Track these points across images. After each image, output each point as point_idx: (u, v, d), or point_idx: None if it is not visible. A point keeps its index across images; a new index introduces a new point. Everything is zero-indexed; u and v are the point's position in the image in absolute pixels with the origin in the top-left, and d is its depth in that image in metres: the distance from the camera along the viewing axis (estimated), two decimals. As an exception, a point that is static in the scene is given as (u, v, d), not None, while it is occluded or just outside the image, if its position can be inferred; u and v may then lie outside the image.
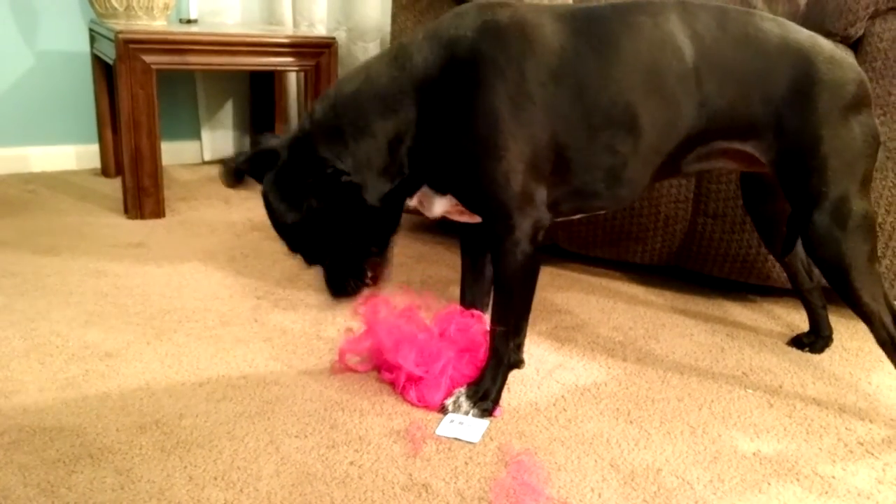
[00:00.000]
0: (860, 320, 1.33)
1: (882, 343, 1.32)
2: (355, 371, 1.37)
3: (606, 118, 1.23)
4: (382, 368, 1.34)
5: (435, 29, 1.24)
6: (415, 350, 1.29)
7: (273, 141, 1.25)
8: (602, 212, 1.40)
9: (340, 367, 1.38)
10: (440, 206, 1.31)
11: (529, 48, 1.20)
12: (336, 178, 1.18)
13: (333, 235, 1.23)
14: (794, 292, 1.66)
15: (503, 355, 1.29)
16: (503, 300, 1.27)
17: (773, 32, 1.26)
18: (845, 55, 1.31)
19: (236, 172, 1.25)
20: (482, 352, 1.33)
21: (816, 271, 1.56)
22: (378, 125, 1.20)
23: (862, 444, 1.25)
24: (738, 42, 1.25)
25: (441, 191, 1.28)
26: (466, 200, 1.27)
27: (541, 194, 1.24)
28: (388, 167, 1.22)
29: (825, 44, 1.28)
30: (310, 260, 1.29)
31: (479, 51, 1.19)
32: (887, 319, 1.30)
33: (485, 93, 1.18)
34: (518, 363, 1.33)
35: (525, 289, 1.27)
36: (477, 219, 1.31)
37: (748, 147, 1.29)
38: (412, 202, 1.32)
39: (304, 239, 1.25)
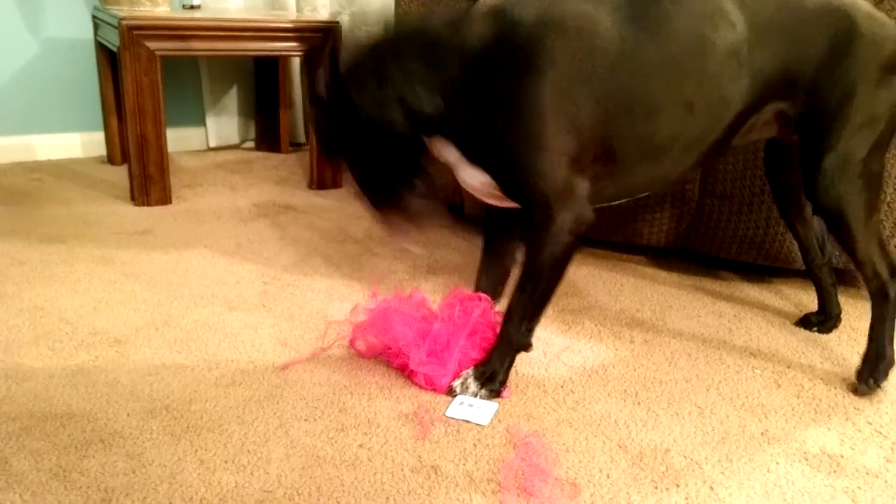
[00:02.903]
0: (867, 300, 1.33)
1: (870, 291, 1.36)
2: (363, 356, 1.38)
3: (663, 103, 1.23)
4: (391, 355, 1.34)
5: (499, 6, 1.21)
6: (428, 343, 1.29)
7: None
8: (647, 194, 1.42)
9: (349, 347, 1.39)
10: (469, 176, 1.28)
11: (588, 40, 1.19)
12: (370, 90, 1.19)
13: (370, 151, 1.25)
14: (801, 272, 1.66)
15: (513, 338, 1.29)
16: (531, 286, 1.26)
17: None
18: (885, 15, 1.32)
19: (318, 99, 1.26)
20: (488, 333, 1.33)
21: (829, 247, 1.56)
22: (417, 69, 1.19)
23: (870, 424, 1.25)
24: (781, 4, 1.26)
25: (475, 162, 1.26)
26: (506, 186, 1.25)
27: (584, 187, 1.23)
28: (416, 104, 1.21)
29: (864, 3, 1.29)
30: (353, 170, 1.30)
31: (537, 38, 1.17)
32: (881, 268, 1.34)
33: (537, 83, 1.16)
34: (527, 346, 1.33)
35: (556, 278, 1.27)
36: (508, 203, 1.30)
37: (786, 106, 1.30)
38: (443, 156, 1.29)
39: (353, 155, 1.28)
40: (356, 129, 1.22)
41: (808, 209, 1.51)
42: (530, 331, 1.31)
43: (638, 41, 1.21)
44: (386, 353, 1.35)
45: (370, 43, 1.23)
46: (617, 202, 1.38)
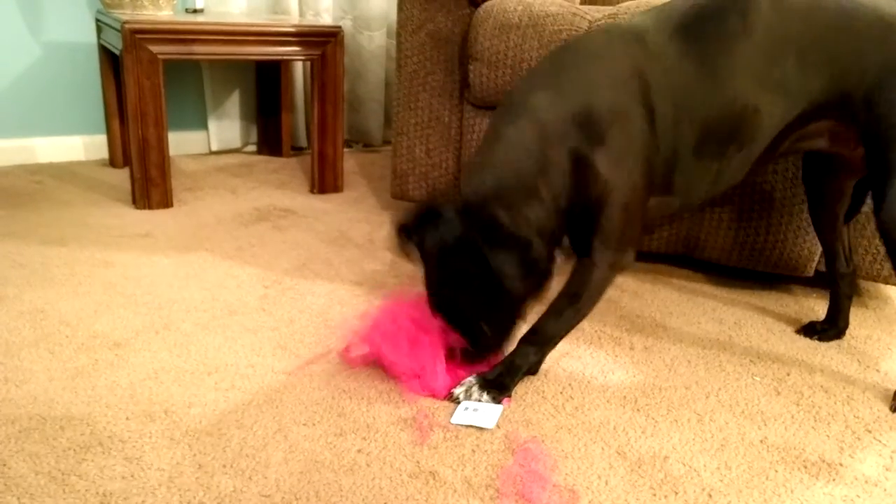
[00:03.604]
0: (869, 308, 1.34)
1: None
2: (356, 366, 1.36)
3: (714, 132, 1.26)
4: (386, 365, 1.33)
5: (571, 88, 1.24)
6: (407, 348, 1.30)
7: (438, 203, 1.24)
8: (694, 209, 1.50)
9: (346, 360, 1.38)
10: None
11: (648, 94, 1.23)
12: (516, 241, 1.18)
13: (495, 297, 1.23)
14: (802, 280, 1.66)
15: (532, 357, 1.31)
16: (572, 316, 1.30)
17: (866, 6, 1.27)
18: None
19: (406, 233, 1.27)
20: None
21: (855, 259, 1.56)
22: (543, 190, 1.21)
23: (870, 432, 1.25)
24: (834, 19, 1.26)
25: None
26: (578, 233, 1.29)
27: (639, 232, 1.30)
28: (551, 228, 1.24)
29: None
30: (454, 321, 1.28)
31: (614, 109, 1.22)
32: None
33: (608, 152, 1.22)
34: (536, 371, 1.34)
35: (589, 312, 1.32)
36: None
37: (840, 119, 1.31)
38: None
39: (460, 300, 1.25)
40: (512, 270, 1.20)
41: (840, 219, 1.52)
42: (546, 354, 1.34)
43: (690, 80, 1.24)
44: (381, 364, 1.35)
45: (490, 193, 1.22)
46: (681, 213, 1.45)
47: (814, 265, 1.71)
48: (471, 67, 1.88)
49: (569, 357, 1.45)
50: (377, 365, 1.35)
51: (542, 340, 1.31)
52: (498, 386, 1.27)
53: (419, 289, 1.33)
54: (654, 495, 1.06)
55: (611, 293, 1.76)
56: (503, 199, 1.20)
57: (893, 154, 1.26)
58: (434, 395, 1.27)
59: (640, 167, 1.24)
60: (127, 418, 1.18)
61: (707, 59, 1.24)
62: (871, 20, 1.26)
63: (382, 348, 1.32)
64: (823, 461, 1.16)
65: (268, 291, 1.68)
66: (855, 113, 1.28)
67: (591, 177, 1.22)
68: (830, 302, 1.59)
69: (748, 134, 1.28)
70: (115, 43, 2.18)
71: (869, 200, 1.39)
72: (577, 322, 1.32)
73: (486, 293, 1.22)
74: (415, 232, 1.25)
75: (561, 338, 1.33)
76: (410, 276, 1.80)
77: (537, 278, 1.22)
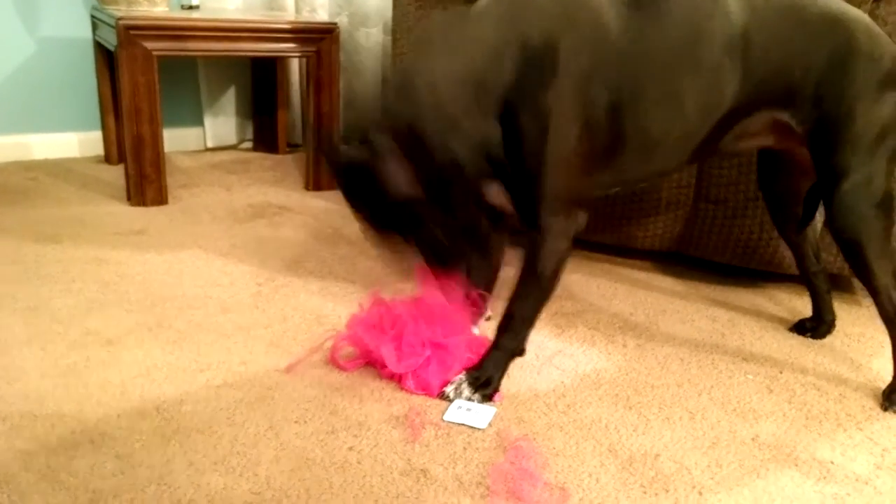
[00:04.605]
0: (862, 306, 1.34)
1: (885, 318, 1.34)
2: (345, 369, 1.35)
3: (660, 99, 1.24)
4: (377, 364, 1.33)
5: (513, 16, 1.18)
6: (394, 346, 1.29)
7: (354, 152, 1.16)
8: (641, 185, 1.44)
9: (333, 362, 1.37)
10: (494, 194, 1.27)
11: (600, 34, 1.18)
12: (448, 161, 1.12)
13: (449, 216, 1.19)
14: (795, 278, 1.66)
15: (510, 345, 1.30)
16: (536, 293, 1.28)
17: (814, 2, 1.26)
18: (882, 30, 1.30)
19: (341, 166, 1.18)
20: (463, 333, 1.34)
21: (824, 255, 1.56)
22: (472, 113, 1.15)
23: (861, 430, 1.25)
24: (784, 9, 1.26)
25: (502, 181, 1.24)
26: (520, 192, 1.24)
27: (587, 192, 1.26)
28: (480, 145, 1.17)
29: (863, 17, 1.29)
30: (430, 257, 1.25)
31: (553, 40, 1.16)
32: (895, 295, 1.32)
33: (556, 86, 1.16)
34: (522, 352, 1.33)
35: (554, 285, 1.29)
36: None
37: (785, 116, 1.30)
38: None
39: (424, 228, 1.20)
40: (432, 184, 1.15)
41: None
42: (525, 337, 1.32)
43: (641, 32, 1.21)
44: (372, 363, 1.34)
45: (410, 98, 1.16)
46: (611, 192, 1.42)
47: (807, 263, 1.71)
48: (465, 64, 1.87)
49: (561, 355, 1.45)
50: (368, 364, 1.35)
51: (516, 326, 1.29)
52: (486, 383, 1.27)
53: (410, 288, 1.33)
54: (645, 493, 1.06)
55: (604, 291, 1.76)
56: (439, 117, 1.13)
57: (839, 158, 1.27)
58: (428, 394, 1.27)
59: (579, 122, 1.18)
60: (118, 416, 1.18)
61: (656, 30, 1.22)
62: (818, 14, 1.26)
63: (366, 340, 1.32)
64: (815, 459, 1.16)
65: (261, 289, 1.68)
66: (800, 109, 1.28)
67: (531, 117, 1.17)
68: (812, 299, 1.60)
69: (685, 113, 1.25)
70: (110, 39, 2.17)
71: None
72: (546, 299, 1.29)
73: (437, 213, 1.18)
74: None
75: (535, 317, 1.31)
76: (403, 274, 1.80)
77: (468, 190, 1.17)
